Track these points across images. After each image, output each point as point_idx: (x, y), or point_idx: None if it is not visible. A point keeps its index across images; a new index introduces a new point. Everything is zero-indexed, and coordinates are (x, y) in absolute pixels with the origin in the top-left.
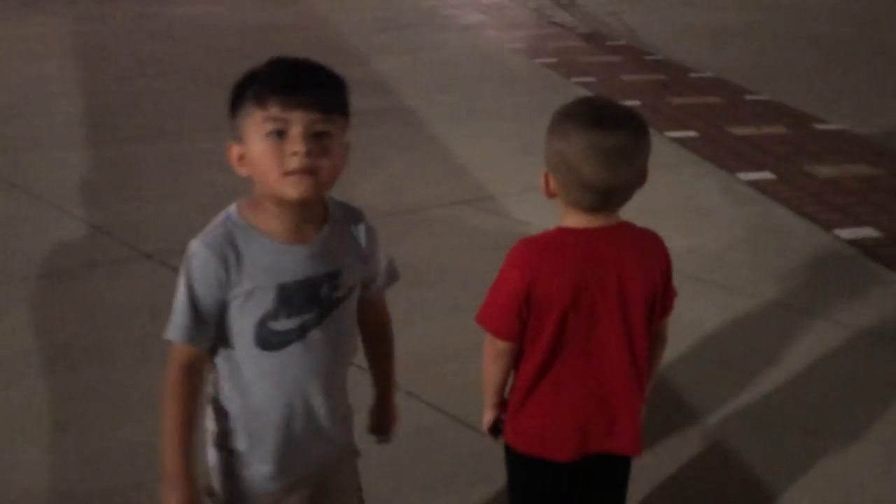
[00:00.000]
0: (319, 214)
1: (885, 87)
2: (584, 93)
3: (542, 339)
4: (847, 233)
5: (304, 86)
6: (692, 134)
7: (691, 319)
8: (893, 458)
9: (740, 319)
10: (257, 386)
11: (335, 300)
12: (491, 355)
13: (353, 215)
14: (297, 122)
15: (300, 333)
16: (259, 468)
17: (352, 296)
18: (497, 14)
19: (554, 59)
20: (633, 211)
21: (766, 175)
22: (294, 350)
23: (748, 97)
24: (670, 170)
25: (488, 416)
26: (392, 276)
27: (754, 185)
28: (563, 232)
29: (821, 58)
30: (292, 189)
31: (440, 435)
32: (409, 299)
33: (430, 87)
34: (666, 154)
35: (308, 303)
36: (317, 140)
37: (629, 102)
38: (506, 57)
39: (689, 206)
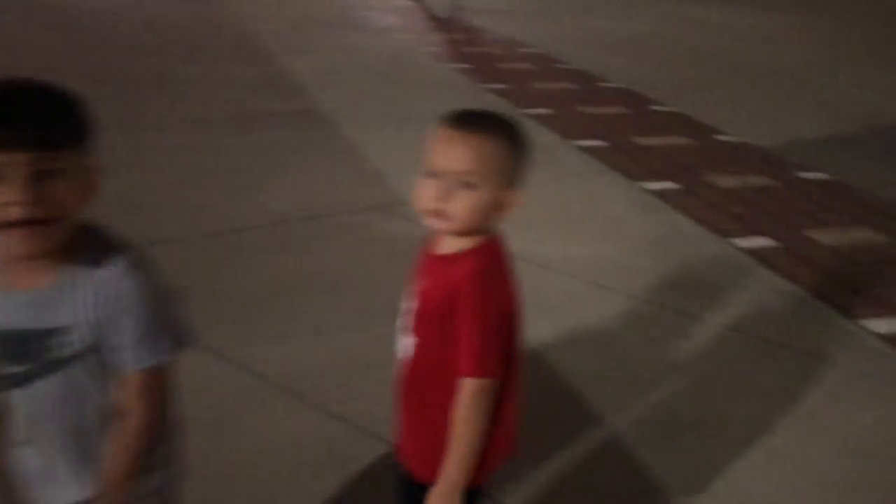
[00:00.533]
0: (60, 257)
1: (782, 100)
2: (496, 100)
3: (518, 359)
4: (744, 242)
5: (19, 121)
6: (600, 143)
7: (594, 326)
8: (781, 457)
9: (642, 326)
10: None
11: (57, 360)
12: (485, 407)
13: (106, 262)
14: (13, 166)
15: (6, 385)
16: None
17: (88, 358)
18: (411, 17)
19: (468, 65)
20: (542, 219)
21: (669, 185)
22: (7, 399)
23: (654, 108)
24: (578, 179)
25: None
26: (150, 349)
27: (658, 194)
28: (493, 242)
29: (723, 71)
30: (13, 247)
31: (346, 446)
32: (319, 308)
33: (344, 89)
34: (574, 163)
35: (16, 356)
36: (41, 182)
37: (541, 110)
38: (420, 61)
39: (595, 215)
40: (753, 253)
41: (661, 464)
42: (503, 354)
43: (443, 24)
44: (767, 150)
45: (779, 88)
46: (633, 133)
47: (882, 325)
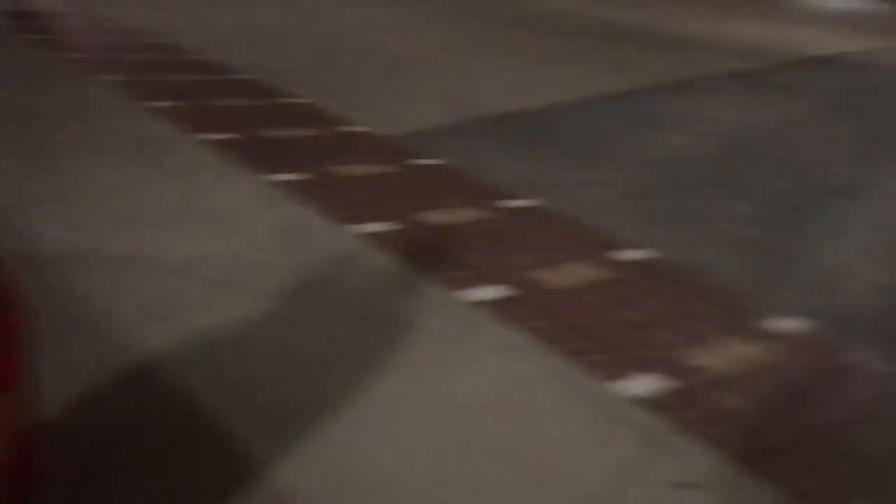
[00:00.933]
0: None
1: (405, 91)
2: (113, 92)
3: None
4: (365, 228)
5: None
6: (227, 136)
7: (213, 327)
8: (390, 426)
9: (263, 321)
10: None
11: None
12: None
13: None
14: None
15: None
16: None
17: None
18: (14, 2)
19: (81, 55)
20: (162, 217)
21: (295, 176)
22: None
23: (282, 100)
24: (202, 173)
25: None
26: None
27: (284, 186)
28: None
29: (349, 63)
30: None
31: None
32: None
33: None
34: (198, 157)
35: None
36: None
37: (165, 103)
38: (23, 51)
39: (220, 211)
40: (372, 238)
41: (277, 455)
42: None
43: (54, 11)
44: (390, 139)
45: (402, 79)
46: (260, 125)
47: (478, 294)
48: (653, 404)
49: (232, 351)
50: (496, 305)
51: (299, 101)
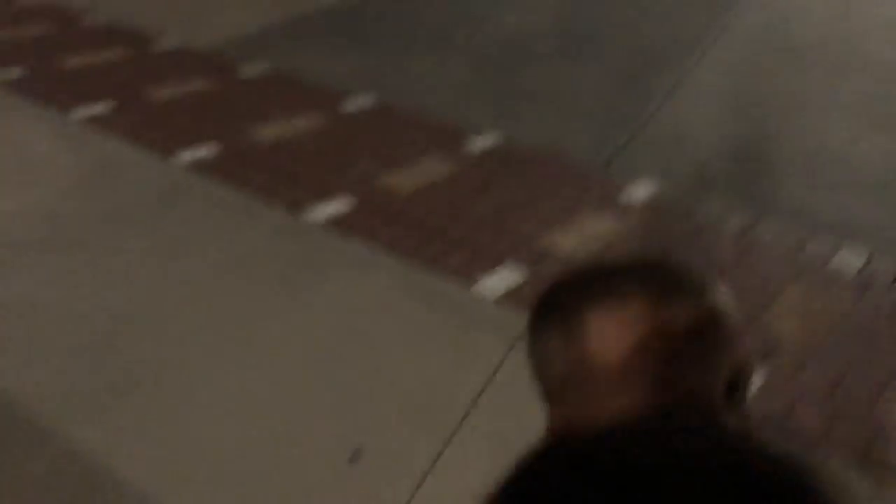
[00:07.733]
0: None
1: None
2: None
3: None
4: (187, 155)
5: None
6: (18, 73)
7: (21, 292)
8: (252, 369)
9: (80, 282)
10: None
11: None
12: None
13: None
14: None
15: None
16: None
17: None
18: None
19: None
20: None
21: (102, 108)
22: None
23: (82, 22)
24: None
25: None
26: None
27: (90, 121)
28: None
29: None
30: None
31: None
32: None
33: None
34: None
35: None
36: None
37: None
38: None
39: (15, 160)
40: (196, 165)
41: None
42: None
43: None
44: (207, 52)
45: None
46: (59, 53)
47: (324, 211)
48: (514, 299)
49: (38, 321)
50: (344, 220)
51: (102, 19)
